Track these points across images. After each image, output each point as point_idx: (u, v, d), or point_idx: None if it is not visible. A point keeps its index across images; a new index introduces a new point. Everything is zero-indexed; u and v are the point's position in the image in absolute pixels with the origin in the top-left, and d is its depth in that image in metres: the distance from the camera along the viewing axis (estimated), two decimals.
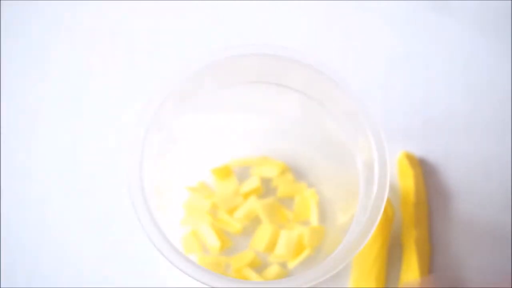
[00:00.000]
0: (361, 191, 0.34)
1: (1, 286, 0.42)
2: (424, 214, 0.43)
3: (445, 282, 0.31)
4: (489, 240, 0.44)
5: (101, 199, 0.44)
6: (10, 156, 0.45)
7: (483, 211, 0.44)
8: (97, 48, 0.48)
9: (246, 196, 0.41)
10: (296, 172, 0.43)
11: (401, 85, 0.48)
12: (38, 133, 0.46)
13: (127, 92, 0.46)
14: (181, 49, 0.48)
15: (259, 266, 0.41)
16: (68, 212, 0.44)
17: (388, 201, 0.28)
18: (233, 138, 0.42)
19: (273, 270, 0.41)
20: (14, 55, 0.48)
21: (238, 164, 0.43)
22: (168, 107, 0.34)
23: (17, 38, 0.48)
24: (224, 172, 0.42)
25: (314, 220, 0.41)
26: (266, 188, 0.42)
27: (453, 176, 0.45)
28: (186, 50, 0.48)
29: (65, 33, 0.49)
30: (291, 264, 0.40)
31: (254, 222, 0.41)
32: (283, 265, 0.41)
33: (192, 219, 0.41)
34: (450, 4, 0.51)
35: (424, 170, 0.45)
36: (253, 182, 0.42)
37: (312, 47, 0.49)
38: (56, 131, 0.46)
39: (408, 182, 0.43)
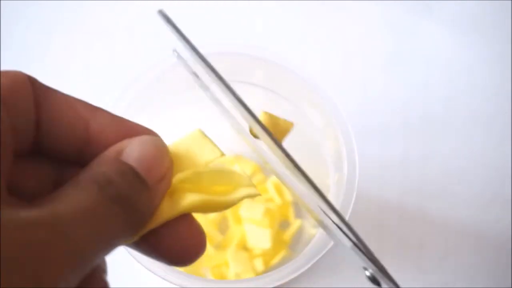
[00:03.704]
0: (331, 192, 0.34)
1: None
2: None
3: None
4: (467, 240, 0.44)
5: None
6: None
7: (461, 211, 0.44)
8: (76, 43, 0.49)
9: None
10: (268, 171, 0.43)
11: (380, 86, 0.48)
12: None
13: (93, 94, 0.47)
14: (151, 48, 0.48)
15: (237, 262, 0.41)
16: None
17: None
18: None
19: (249, 268, 0.41)
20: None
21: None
22: (135, 108, 0.34)
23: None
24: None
25: (292, 217, 0.41)
26: None
27: (431, 177, 0.45)
28: (158, 50, 0.48)
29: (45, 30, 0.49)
30: (269, 262, 0.40)
31: (226, 220, 0.41)
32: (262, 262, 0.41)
33: None
34: (430, 5, 0.51)
35: (402, 170, 0.45)
36: None
37: (293, 48, 0.50)
38: None
39: None
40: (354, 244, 0.19)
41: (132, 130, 0.19)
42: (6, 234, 0.14)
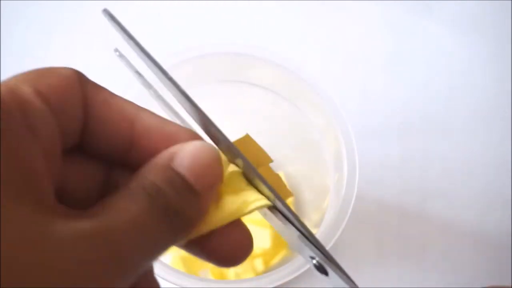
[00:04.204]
0: (331, 191, 0.34)
1: None
2: None
3: None
4: (467, 240, 0.44)
5: None
6: None
7: (461, 211, 0.44)
8: (76, 43, 0.49)
9: None
10: None
11: (380, 86, 0.48)
12: None
13: None
14: (153, 46, 0.48)
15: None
16: None
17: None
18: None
19: (250, 267, 0.41)
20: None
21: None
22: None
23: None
24: None
25: None
26: None
27: (432, 177, 0.45)
28: (157, 48, 0.48)
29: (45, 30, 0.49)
30: (270, 262, 0.40)
31: None
32: (262, 262, 0.41)
33: None
34: (430, 5, 0.51)
35: (402, 170, 0.45)
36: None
37: (294, 49, 0.50)
38: None
39: None
40: (301, 232, 0.19)
41: (176, 132, 0.18)
42: (60, 248, 0.14)
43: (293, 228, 0.19)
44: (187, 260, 0.40)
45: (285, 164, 0.43)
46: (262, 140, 0.43)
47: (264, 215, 0.20)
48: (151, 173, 0.17)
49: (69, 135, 0.17)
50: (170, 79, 0.19)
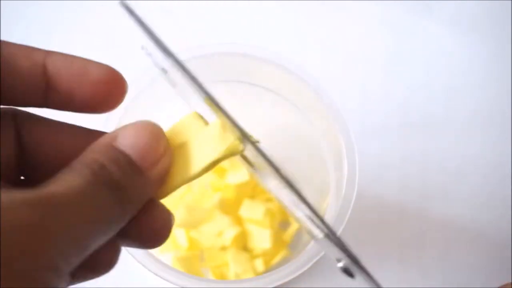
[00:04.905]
0: (331, 191, 0.34)
1: None
2: None
3: None
4: (467, 240, 0.44)
5: None
6: None
7: (461, 210, 0.44)
8: (76, 43, 0.48)
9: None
10: None
11: (380, 86, 0.48)
12: None
13: None
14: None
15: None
16: None
17: None
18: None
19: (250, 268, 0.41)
20: None
21: None
22: (135, 108, 0.34)
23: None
24: None
25: (292, 219, 0.41)
26: None
27: (432, 176, 0.45)
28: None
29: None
30: (270, 262, 0.40)
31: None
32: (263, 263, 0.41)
33: None
34: (430, 5, 0.51)
35: (402, 170, 0.45)
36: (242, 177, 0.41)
37: (294, 49, 0.50)
38: None
39: None
40: (326, 234, 0.19)
41: (84, 65, 0.19)
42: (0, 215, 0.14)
43: (319, 230, 0.19)
44: (187, 260, 0.40)
45: (285, 164, 0.42)
46: (262, 140, 0.43)
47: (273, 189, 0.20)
48: (94, 151, 0.18)
49: None
50: (190, 75, 0.19)
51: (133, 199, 0.18)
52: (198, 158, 0.20)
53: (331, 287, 0.41)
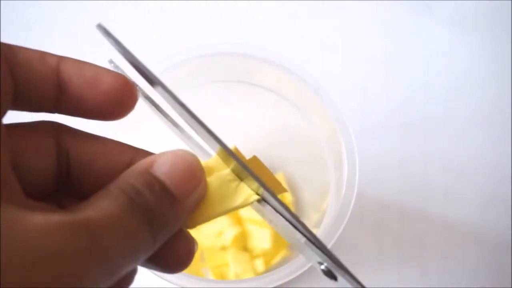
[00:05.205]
0: (331, 191, 0.34)
1: None
2: None
3: None
4: (467, 240, 0.44)
5: None
6: None
7: (461, 210, 0.44)
8: (76, 43, 0.48)
9: None
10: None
11: (380, 86, 0.48)
12: None
13: None
14: (152, 46, 0.48)
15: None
16: None
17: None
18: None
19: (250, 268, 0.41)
20: None
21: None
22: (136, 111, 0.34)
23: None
24: None
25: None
26: None
27: (431, 176, 0.45)
28: (157, 48, 0.48)
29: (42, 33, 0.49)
30: (270, 262, 0.40)
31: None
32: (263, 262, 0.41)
33: None
34: (430, 5, 0.51)
35: (402, 170, 0.45)
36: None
37: (294, 49, 0.50)
38: None
39: None
40: (307, 238, 0.19)
41: (96, 72, 0.19)
42: (37, 237, 0.14)
43: (295, 231, 0.19)
44: None
45: (285, 164, 0.43)
46: (262, 141, 0.43)
47: (258, 211, 0.21)
48: (130, 177, 0.18)
49: (4, 108, 0.17)
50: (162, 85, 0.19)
51: (165, 228, 0.18)
52: (228, 196, 0.20)
53: (331, 287, 0.41)
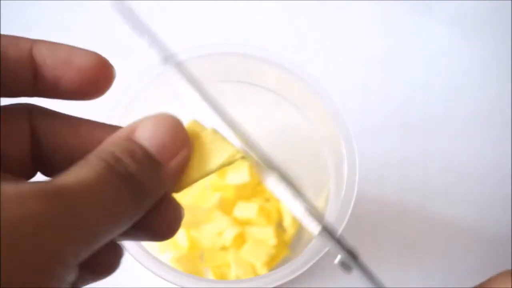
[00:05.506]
0: (331, 191, 0.34)
1: None
2: None
3: None
4: (468, 240, 0.44)
5: None
6: None
7: (462, 211, 0.44)
8: (76, 43, 0.48)
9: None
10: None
11: (380, 86, 0.48)
12: None
13: None
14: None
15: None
16: None
17: None
18: None
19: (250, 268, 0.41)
20: None
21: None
22: (133, 108, 0.34)
23: None
24: None
25: (287, 220, 0.41)
26: None
27: (432, 176, 0.45)
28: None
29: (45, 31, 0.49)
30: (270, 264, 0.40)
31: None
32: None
33: None
34: (430, 5, 0.51)
35: (402, 170, 0.45)
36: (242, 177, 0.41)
37: (294, 49, 0.50)
38: None
39: None
40: (323, 229, 0.19)
41: (70, 52, 0.19)
42: (8, 207, 0.14)
43: (315, 226, 0.19)
44: (187, 260, 0.40)
45: (285, 164, 0.42)
46: (262, 141, 0.43)
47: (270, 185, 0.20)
48: (110, 145, 0.17)
49: None
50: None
51: (149, 193, 0.17)
52: (213, 155, 0.20)
53: (331, 287, 0.41)
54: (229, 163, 0.20)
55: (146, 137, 0.18)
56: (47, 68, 0.18)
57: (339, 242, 0.19)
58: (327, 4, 0.51)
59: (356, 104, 0.47)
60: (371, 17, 0.51)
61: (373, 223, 0.43)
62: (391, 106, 0.47)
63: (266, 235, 0.39)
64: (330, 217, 0.33)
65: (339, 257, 0.19)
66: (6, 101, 0.19)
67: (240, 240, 0.40)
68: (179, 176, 0.19)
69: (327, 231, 0.19)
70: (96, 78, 0.19)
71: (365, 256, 0.43)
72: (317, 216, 0.19)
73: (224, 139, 0.20)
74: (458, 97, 0.48)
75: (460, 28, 0.50)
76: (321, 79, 0.34)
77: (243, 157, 0.20)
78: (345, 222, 0.32)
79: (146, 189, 0.17)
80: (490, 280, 0.27)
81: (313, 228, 0.19)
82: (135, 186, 0.17)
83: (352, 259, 0.19)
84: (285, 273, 0.30)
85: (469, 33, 0.50)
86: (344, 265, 0.19)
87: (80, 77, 0.18)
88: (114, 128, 0.19)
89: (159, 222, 0.19)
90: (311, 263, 0.31)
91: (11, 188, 0.14)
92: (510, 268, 0.42)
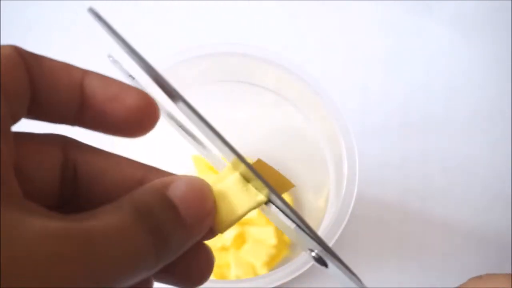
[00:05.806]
0: (331, 191, 0.34)
1: None
2: None
3: None
4: (468, 240, 0.44)
5: None
6: None
7: (462, 211, 0.44)
8: (76, 43, 0.48)
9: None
10: None
11: (380, 86, 0.48)
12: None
13: None
14: (152, 47, 0.48)
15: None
16: None
17: None
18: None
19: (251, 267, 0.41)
20: None
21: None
22: None
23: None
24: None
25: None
26: None
27: (432, 177, 0.45)
28: (157, 49, 0.48)
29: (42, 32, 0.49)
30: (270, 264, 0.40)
31: None
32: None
33: None
34: (430, 5, 0.51)
35: (402, 170, 0.45)
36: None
37: (294, 49, 0.50)
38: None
39: None
40: (297, 225, 0.19)
41: (120, 90, 0.19)
42: (35, 244, 0.14)
43: (290, 221, 0.19)
44: None
45: (285, 164, 0.42)
46: (263, 141, 0.43)
47: (262, 210, 0.21)
48: (145, 193, 0.17)
49: (17, 114, 0.17)
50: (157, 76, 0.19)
51: (170, 250, 0.17)
52: (234, 207, 0.20)
53: (331, 287, 0.41)
54: (254, 207, 0.20)
55: (179, 196, 0.18)
56: (96, 101, 0.18)
57: (315, 239, 0.19)
58: (327, 4, 0.51)
59: (356, 104, 0.47)
60: (371, 17, 0.51)
61: (373, 223, 0.43)
62: (391, 106, 0.47)
63: (266, 235, 0.39)
64: (330, 217, 0.33)
65: (314, 252, 0.19)
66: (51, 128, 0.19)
67: (240, 240, 0.40)
68: (202, 239, 0.19)
69: (301, 226, 0.19)
70: (142, 117, 0.19)
71: (365, 256, 0.43)
72: (292, 210, 0.19)
73: (248, 187, 0.20)
74: (458, 97, 0.48)
75: (460, 28, 0.50)
76: (321, 79, 0.34)
77: (266, 203, 0.20)
78: (345, 222, 0.32)
79: (169, 246, 0.17)
80: (489, 277, 0.27)
81: (288, 223, 0.19)
82: (160, 240, 0.17)
83: (326, 253, 0.19)
84: (285, 273, 0.30)
85: (469, 33, 0.50)
86: (319, 260, 0.19)
87: (127, 115, 0.18)
88: (154, 170, 0.19)
89: (191, 268, 0.19)
90: (311, 263, 0.31)
91: (37, 224, 0.14)
92: (510, 268, 0.42)
